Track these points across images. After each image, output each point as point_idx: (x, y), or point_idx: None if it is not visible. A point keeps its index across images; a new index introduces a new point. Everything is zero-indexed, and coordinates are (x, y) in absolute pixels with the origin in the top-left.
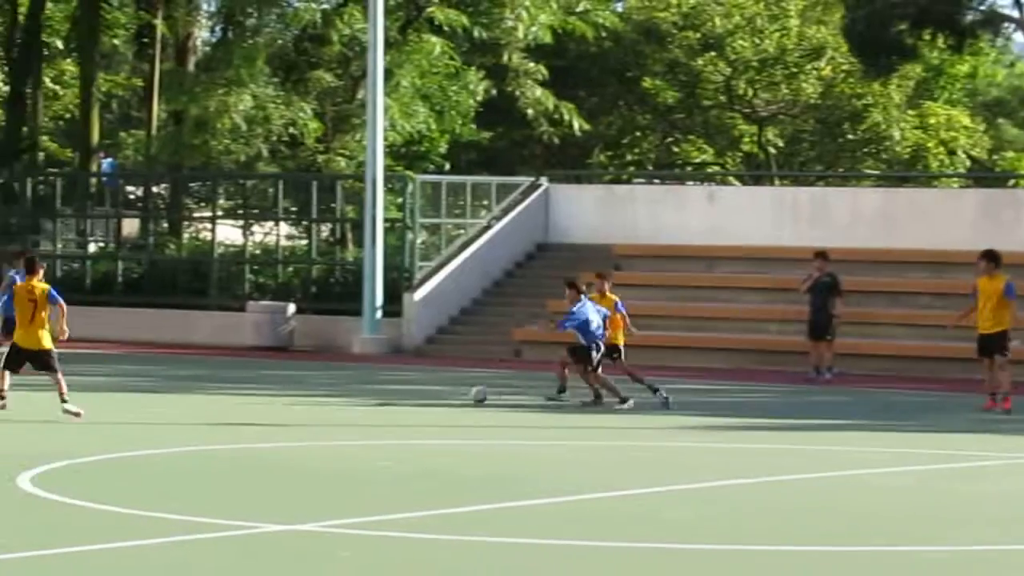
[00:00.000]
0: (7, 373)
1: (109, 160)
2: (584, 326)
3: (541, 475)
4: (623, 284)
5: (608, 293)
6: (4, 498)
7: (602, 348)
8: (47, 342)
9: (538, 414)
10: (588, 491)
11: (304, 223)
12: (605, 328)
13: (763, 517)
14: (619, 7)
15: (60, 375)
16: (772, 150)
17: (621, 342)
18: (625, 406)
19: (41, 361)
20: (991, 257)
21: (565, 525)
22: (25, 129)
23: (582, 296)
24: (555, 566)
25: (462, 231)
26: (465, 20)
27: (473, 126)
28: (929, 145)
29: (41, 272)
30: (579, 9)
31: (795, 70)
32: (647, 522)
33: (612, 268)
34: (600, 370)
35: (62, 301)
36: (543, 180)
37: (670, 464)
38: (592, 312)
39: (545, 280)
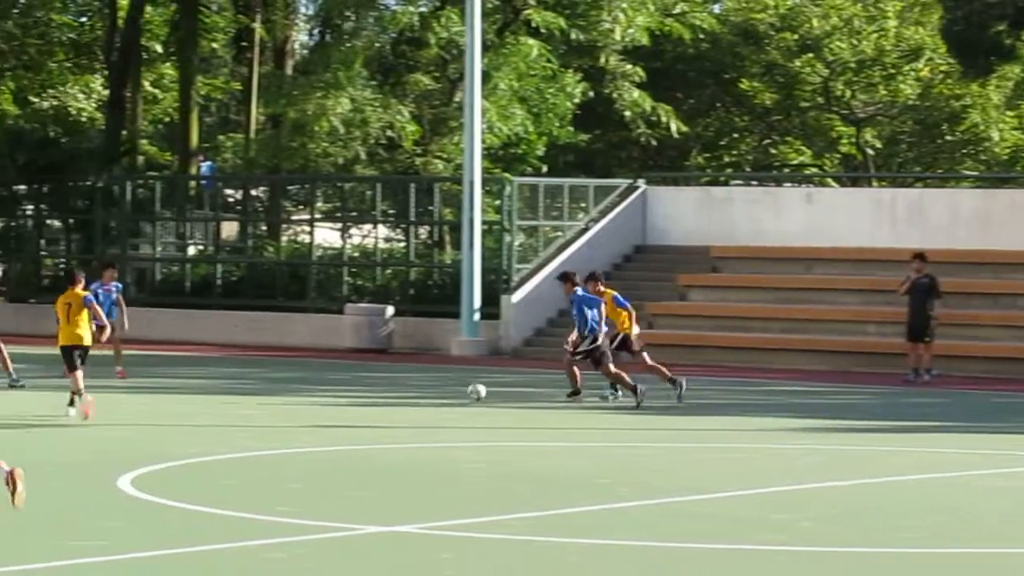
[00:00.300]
0: (78, 374)
1: (208, 163)
2: (579, 315)
3: (639, 477)
4: (721, 286)
5: (604, 290)
6: (105, 500)
7: (598, 340)
8: (87, 339)
9: (633, 416)
10: (688, 493)
11: (402, 226)
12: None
13: (869, 518)
14: (716, 9)
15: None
16: (870, 151)
17: (632, 332)
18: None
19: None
20: None
21: (664, 527)
22: (125, 133)
23: (576, 289)
24: (654, 569)
25: (559, 233)
26: (562, 22)
27: (570, 128)
28: None
29: (81, 282)
30: (676, 11)
31: (893, 71)
32: (753, 524)
33: (710, 270)
34: (580, 363)
35: (96, 304)
36: (640, 182)
37: (770, 466)
38: (574, 307)
39: (643, 283)
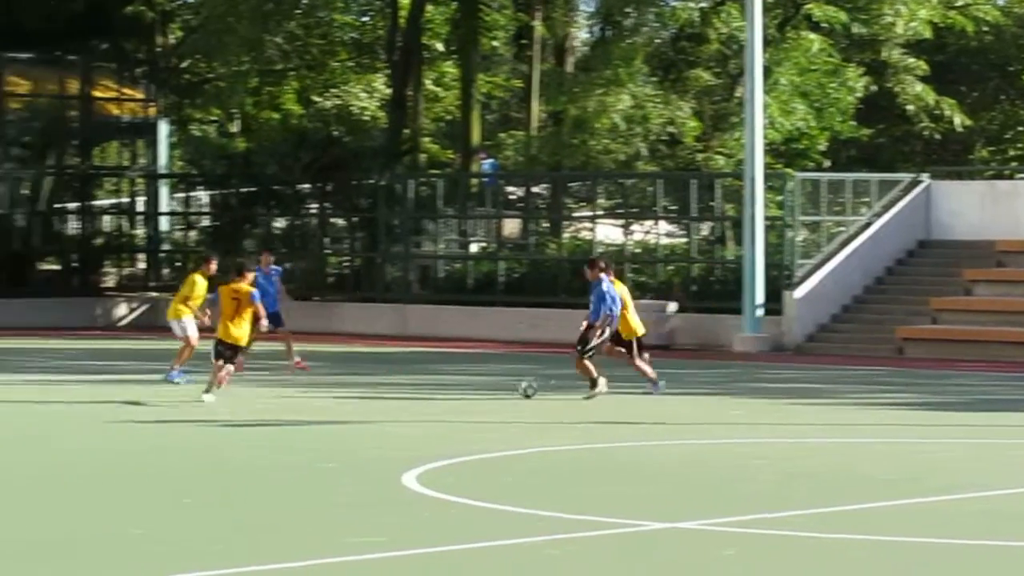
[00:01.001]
0: (223, 364)
1: (490, 161)
2: (600, 302)
3: (922, 474)
4: (1006, 280)
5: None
6: (389, 496)
7: (607, 333)
8: (244, 342)
9: (921, 412)
10: (974, 490)
11: (683, 222)
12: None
13: None
14: (1000, 1)
15: (227, 372)
16: None
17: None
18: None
19: (231, 353)
20: None
21: (949, 524)
22: (407, 131)
23: (602, 276)
24: (941, 567)
25: (842, 228)
26: (843, 16)
27: (853, 123)
28: None
29: (250, 277)
30: (959, 3)
31: None
32: None
33: (994, 264)
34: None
35: (258, 303)
36: (924, 176)
37: None
38: (611, 292)
39: (926, 278)
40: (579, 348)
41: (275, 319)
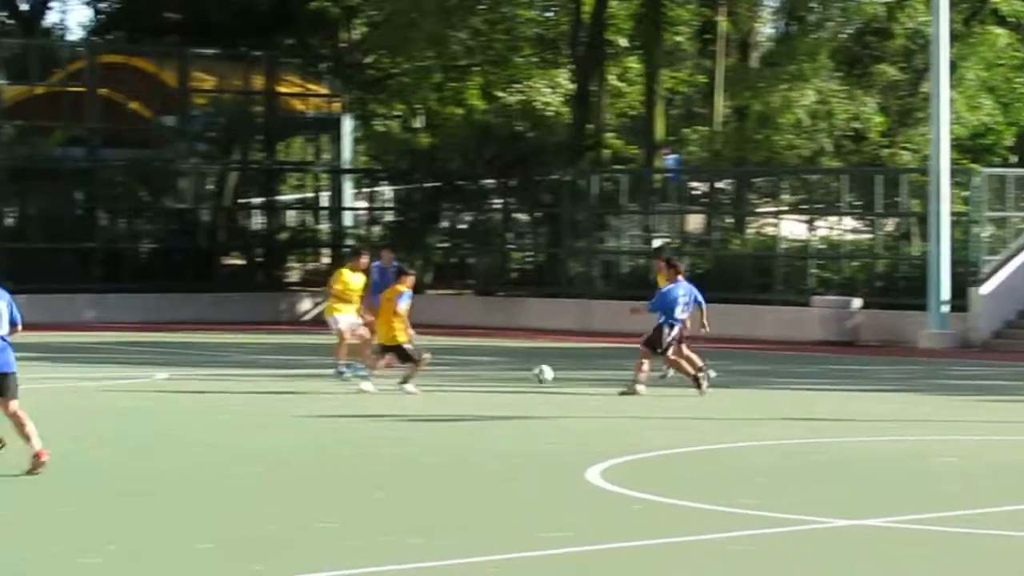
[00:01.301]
0: (390, 357)
1: (674, 156)
2: (672, 304)
3: None
4: None
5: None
6: (574, 491)
7: (676, 330)
8: (401, 337)
9: None
10: None
11: (868, 217)
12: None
13: None
14: None
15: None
16: None
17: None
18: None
19: (399, 353)
20: None
21: None
22: (590, 127)
23: (679, 277)
24: None
25: None
26: None
27: None
28: None
29: (409, 280)
30: None
31: None
32: None
33: None
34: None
35: (402, 306)
36: None
37: None
38: (682, 292)
39: None
40: (659, 350)
41: None
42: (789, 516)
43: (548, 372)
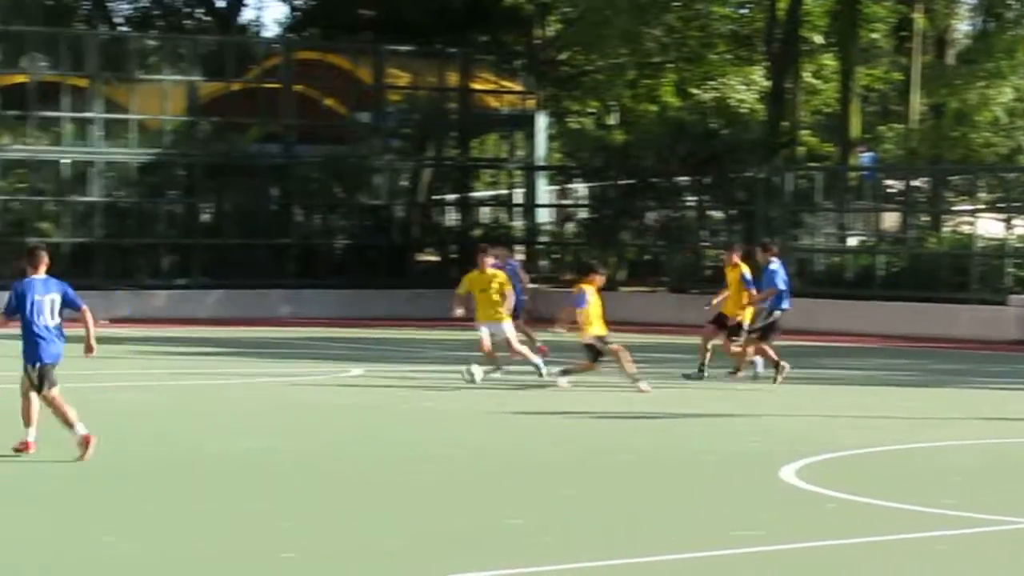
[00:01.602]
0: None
1: (869, 154)
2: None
3: None
4: None
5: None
6: (767, 490)
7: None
8: (601, 330)
9: None
10: None
11: None
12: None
13: None
14: None
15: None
16: None
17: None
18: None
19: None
20: None
21: None
22: (785, 124)
23: (774, 259)
24: None
25: None
26: None
27: None
28: None
29: (599, 280)
30: None
31: None
32: None
33: None
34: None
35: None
36: None
37: None
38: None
39: None
40: (750, 335)
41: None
42: (990, 516)
43: (478, 372)
